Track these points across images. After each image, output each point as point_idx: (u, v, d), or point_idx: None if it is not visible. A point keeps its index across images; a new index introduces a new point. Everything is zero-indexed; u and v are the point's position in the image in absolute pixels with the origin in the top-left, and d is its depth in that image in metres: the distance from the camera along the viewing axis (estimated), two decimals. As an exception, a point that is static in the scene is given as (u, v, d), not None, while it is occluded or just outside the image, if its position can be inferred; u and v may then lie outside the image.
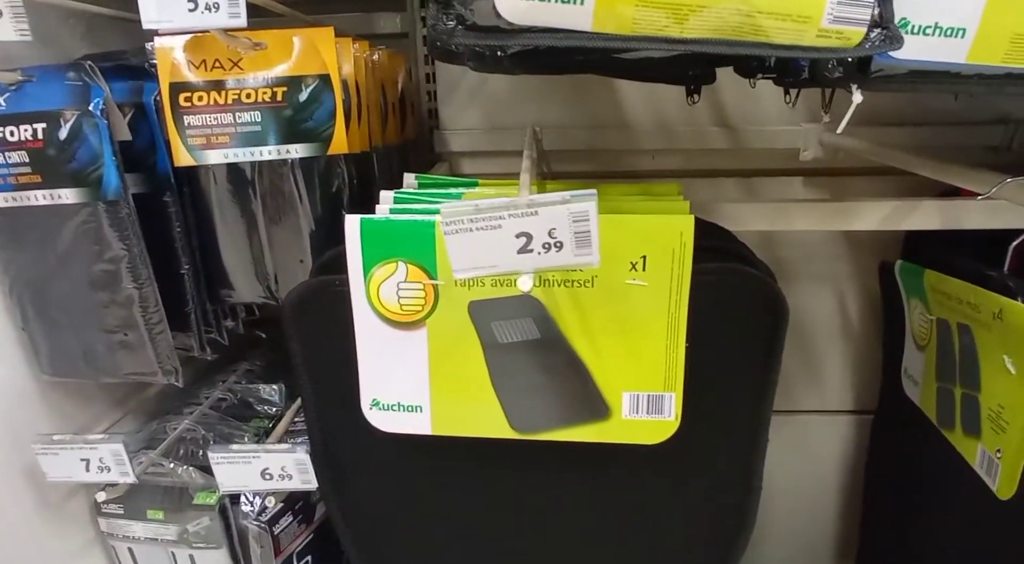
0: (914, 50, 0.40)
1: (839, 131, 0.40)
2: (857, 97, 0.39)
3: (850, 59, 0.40)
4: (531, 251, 0.39)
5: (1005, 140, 0.89)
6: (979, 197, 0.55)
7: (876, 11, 0.36)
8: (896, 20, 0.40)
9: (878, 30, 0.36)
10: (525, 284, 0.40)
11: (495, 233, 0.38)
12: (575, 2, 0.35)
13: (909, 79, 0.41)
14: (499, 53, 0.43)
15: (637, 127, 0.93)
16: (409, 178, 0.65)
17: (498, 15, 0.36)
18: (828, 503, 1.13)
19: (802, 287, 1.02)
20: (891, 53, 0.39)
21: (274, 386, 0.79)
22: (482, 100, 0.93)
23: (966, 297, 0.58)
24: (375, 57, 0.69)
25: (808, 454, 1.09)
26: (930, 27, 0.39)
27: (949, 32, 0.40)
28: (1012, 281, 0.54)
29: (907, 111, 0.90)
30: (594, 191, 0.37)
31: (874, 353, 0.98)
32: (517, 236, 0.39)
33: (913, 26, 0.40)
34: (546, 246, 0.39)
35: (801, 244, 1.00)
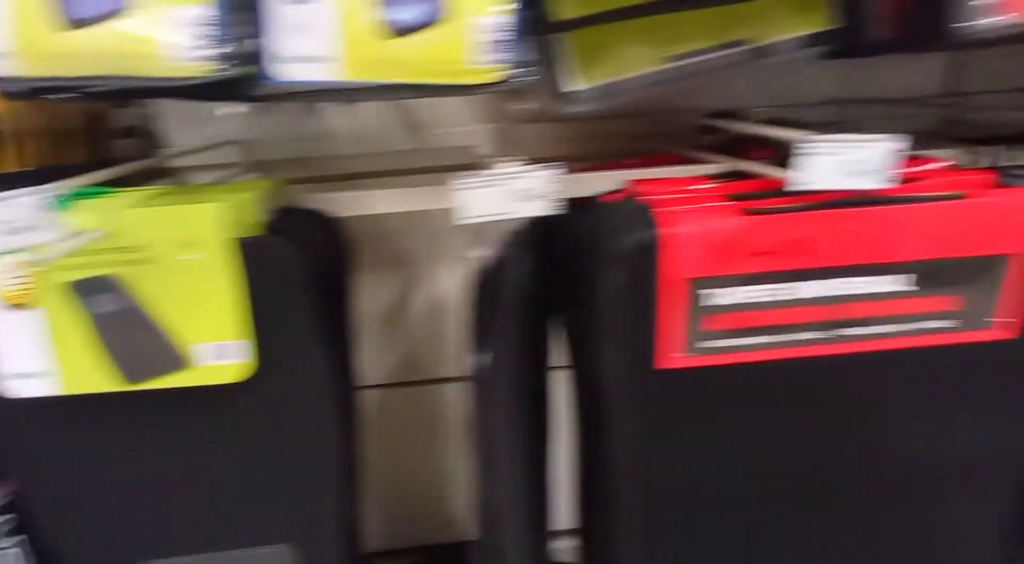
0: (292, 74, 0.57)
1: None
2: (223, 110, 0.55)
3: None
4: (15, 234, 0.54)
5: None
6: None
7: (228, 48, 0.53)
8: (276, 52, 0.56)
9: (231, 62, 0.53)
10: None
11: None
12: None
13: (296, 94, 0.57)
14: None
15: (336, 135, 1.09)
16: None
17: None
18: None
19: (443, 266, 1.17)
20: (276, 76, 0.56)
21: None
22: (199, 122, 1.08)
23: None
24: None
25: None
26: (295, 57, 0.56)
27: (313, 59, 0.56)
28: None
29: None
30: (48, 188, 0.53)
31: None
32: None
33: (284, 57, 0.56)
34: (19, 230, 0.54)
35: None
